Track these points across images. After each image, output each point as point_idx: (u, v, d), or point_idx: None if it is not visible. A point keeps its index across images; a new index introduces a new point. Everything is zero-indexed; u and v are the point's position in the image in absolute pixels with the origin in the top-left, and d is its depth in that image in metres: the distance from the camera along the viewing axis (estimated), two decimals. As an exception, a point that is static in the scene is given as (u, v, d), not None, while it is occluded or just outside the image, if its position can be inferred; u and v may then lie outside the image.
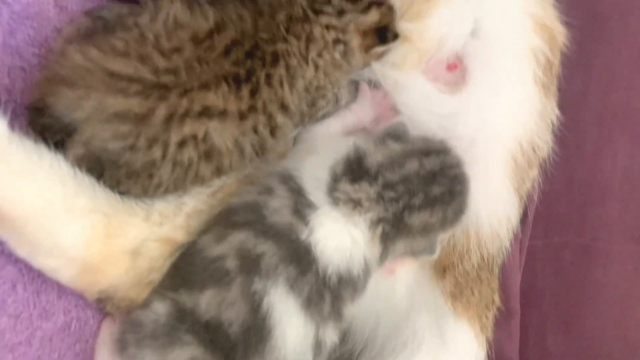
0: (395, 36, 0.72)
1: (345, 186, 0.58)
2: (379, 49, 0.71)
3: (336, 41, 0.68)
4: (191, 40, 0.57)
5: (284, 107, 0.64)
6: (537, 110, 0.78)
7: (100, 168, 0.56)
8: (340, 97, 0.73)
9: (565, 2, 0.81)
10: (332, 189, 0.58)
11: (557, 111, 0.80)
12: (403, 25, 0.74)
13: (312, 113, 0.69)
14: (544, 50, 0.78)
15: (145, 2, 0.59)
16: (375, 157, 0.59)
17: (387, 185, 0.58)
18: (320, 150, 0.64)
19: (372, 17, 0.70)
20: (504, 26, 0.76)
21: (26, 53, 0.58)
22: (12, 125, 0.53)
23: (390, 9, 0.72)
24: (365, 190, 0.58)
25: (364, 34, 0.70)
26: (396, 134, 0.62)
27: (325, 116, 0.72)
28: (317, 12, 0.67)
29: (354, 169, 0.59)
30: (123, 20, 0.57)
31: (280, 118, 0.63)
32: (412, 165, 0.59)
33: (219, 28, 0.60)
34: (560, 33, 0.80)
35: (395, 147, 0.61)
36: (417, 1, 0.75)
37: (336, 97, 0.72)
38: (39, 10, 0.58)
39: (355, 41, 0.69)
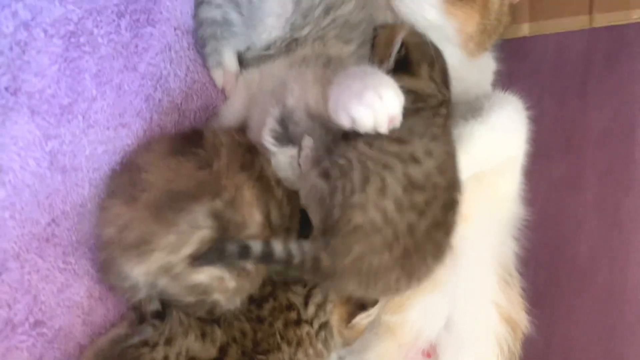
0: (375, 302, 0.73)
1: None
2: (361, 317, 0.73)
3: (319, 330, 0.72)
4: None
5: None
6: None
7: None
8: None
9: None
10: None
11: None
12: (385, 318, 0.83)
13: None
14: (508, 341, 0.88)
15: (163, 328, 0.66)
16: None
17: None
18: None
19: None
20: (474, 321, 0.86)
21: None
22: None
23: None
24: None
25: (345, 302, 0.73)
26: None
27: None
28: (307, 303, 0.72)
29: None
30: (140, 354, 0.64)
31: None
32: None
33: (223, 353, 0.66)
34: (524, 322, 0.90)
35: None
36: (397, 293, 0.85)
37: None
38: (67, 333, 0.66)
39: (335, 318, 0.73)
